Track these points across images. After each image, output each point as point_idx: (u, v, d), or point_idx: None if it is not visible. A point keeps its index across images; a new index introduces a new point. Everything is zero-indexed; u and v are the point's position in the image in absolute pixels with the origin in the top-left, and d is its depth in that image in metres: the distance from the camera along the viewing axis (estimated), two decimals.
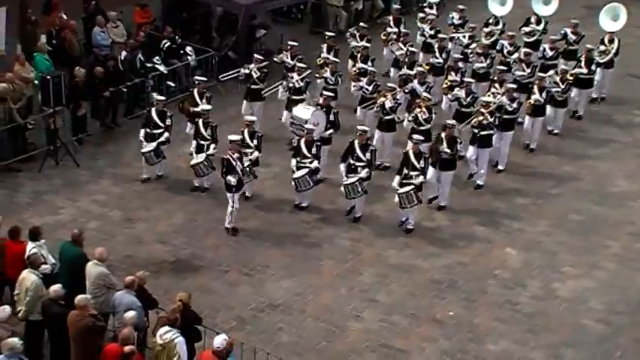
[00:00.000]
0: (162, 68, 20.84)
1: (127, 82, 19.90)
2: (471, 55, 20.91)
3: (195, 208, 16.89)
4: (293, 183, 16.55)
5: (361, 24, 21.94)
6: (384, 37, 21.79)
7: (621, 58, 21.94)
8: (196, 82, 18.27)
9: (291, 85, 18.69)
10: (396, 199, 16.21)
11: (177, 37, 21.70)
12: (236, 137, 16.05)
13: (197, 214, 16.75)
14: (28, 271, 12.61)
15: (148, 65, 20.63)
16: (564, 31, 21.77)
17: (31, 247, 13.02)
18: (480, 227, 16.98)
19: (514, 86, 18.93)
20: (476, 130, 17.77)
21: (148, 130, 17.20)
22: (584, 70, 20.38)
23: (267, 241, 16.15)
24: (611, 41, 21.39)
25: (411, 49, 20.42)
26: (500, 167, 18.76)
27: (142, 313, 12.36)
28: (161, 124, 17.15)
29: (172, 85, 20.69)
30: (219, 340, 11.34)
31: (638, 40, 26.39)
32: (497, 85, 18.98)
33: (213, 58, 22.03)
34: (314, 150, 16.54)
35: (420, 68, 19.64)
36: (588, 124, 21.27)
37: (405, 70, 19.78)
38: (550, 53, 21.06)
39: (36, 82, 18.58)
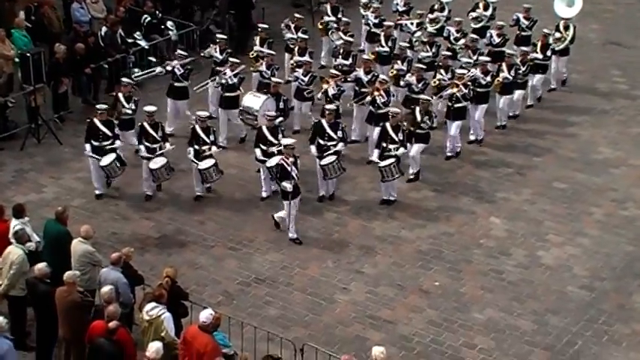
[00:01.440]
0: (143, 43, 20.63)
1: (108, 58, 19.70)
2: (417, 44, 20.11)
3: (180, 184, 16.77)
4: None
5: (296, 14, 20.53)
6: (321, 27, 20.85)
7: (602, 25, 21.94)
8: (122, 84, 16.99)
9: (224, 81, 17.71)
10: (378, 172, 16.17)
11: (157, 11, 21.47)
12: (290, 141, 15.37)
13: (182, 189, 16.64)
14: (14, 246, 12.55)
15: (129, 41, 20.42)
16: (516, 17, 20.86)
17: (15, 224, 12.93)
18: (464, 197, 16.96)
19: (488, 59, 18.83)
20: (449, 103, 17.73)
21: (95, 143, 15.85)
22: (540, 56, 19.72)
23: (252, 215, 16.07)
24: (566, 28, 20.46)
25: (349, 38, 19.45)
26: (479, 138, 18.71)
27: (128, 289, 12.30)
28: (109, 133, 15.92)
29: (154, 60, 20.47)
30: (206, 315, 11.29)
31: (617, 7, 26.46)
32: (442, 71, 18.50)
33: (194, 32, 21.82)
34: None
35: (365, 56, 18.96)
36: (569, 92, 21.25)
37: (340, 60, 18.87)
38: (497, 40, 20.06)
39: (16, 59, 18.34)
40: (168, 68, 18.17)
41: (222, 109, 17.92)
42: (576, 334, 13.59)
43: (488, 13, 21.06)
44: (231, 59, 18.24)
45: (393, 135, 16.16)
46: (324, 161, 16.02)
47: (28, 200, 15.45)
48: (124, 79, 17.24)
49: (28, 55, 17.49)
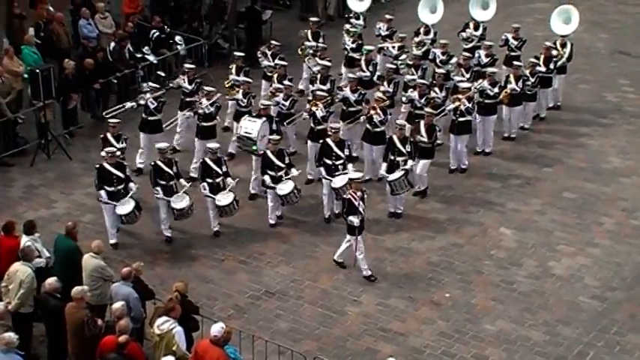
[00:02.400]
0: (151, 58, 20.72)
1: (116, 73, 19.78)
2: (402, 67, 19.36)
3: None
4: (388, 186, 16.04)
5: (272, 41, 19.98)
6: (301, 52, 20.38)
7: (610, 35, 21.86)
8: (110, 124, 16.29)
9: (200, 111, 17.06)
10: (387, 186, 16.13)
11: (166, 26, 21.56)
12: (358, 175, 15.03)
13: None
14: (21, 263, 12.50)
15: (138, 56, 20.50)
16: (505, 37, 20.30)
17: (25, 241, 12.95)
18: (473, 208, 16.92)
19: (495, 70, 18.79)
20: (454, 117, 17.67)
21: (109, 188, 15.03)
22: (543, 69, 19.44)
23: (262, 229, 16.06)
24: (563, 45, 20.16)
25: (327, 63, 18.73)
26: (487, 150, 18.65)
27: (139, 304, 12.30)
28: (122, 176, 15.15)
29: (163, 75, 20.52)
30: (217, 329, 11.29)
31: (625, 17, 26.44)
32: (436, 89, 18.28)
33: (202, 46, 21.91)
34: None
35: (351, 75, 18.77)
36: (578, 102, 21.20)
37: (318, 86, 18.13)
38: (485, 60, 19.55)
39: (25, 75, 18.43)
40: (141, 102, 17.34)
41: (199, 140, 17.14)
42: (588, 345, 13.52)
43: (479, 33, 20.67)
44: (206, 88, 17.51)
45: (401, 147, 16.12)
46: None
47: (38, 216, 15.49)
48: (112, 120, 16.55)
49: (38, 71, 17.57)
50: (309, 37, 20.50)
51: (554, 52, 19.98)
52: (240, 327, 12.87)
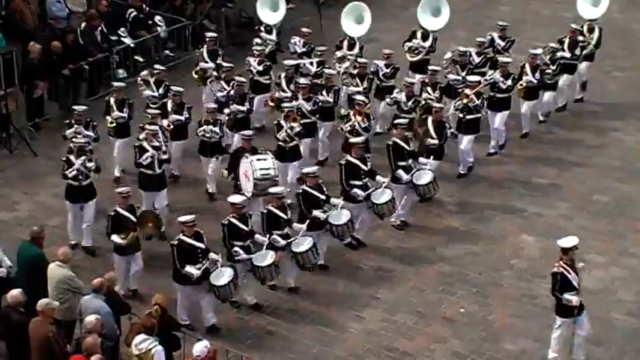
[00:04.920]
0: (128, 41, 20.77)
1: (88, 58, 19.83)
2: (344, 77, 18.81)
3: (170, 198, 16.82)
4: (418, 191, 16.14)
5: (156, 66, 18.68)
6: (197, 76, 19.20)
7: None
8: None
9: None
10: (416, 192, 16.13)
11: (144, 5, 21.62)
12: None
13: (173, 203, 16.67)
14: None
15: (112, 38, 20.55)
16: (491, 36, 19.97)
17: None
18: (491, 212, 16.99)
19: (509, 60, 18.79)
20: (460, 115, 17.71)
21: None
22: (567, 54, 19.55)
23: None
24: (590, 31, 20.24)
25: (242, 79, 18.07)
26: (500, 143, 18.70)
27: (112, 319, 12.35)
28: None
29: (141, 60, 20.59)
30: (200, 348, 11.37)
31: None
32: (429, 89, 18.13)
33: (186, 28, 21.96)
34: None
35: (303, 80, 18.15)
36: (611, 91, 21.28)
37: (235, 107, 17.48)
38: (477, 59, 19.23)
39: None
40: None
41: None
42: None
43: (427, 44, 19.93)
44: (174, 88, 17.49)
45: (407, 147, 16.18)
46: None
47: None
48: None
49: None
50: (205, 57, 19.23)
51: (580, 38, 20.00)
52: (226, 346, 12.92)
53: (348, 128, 17.15)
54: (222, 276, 13.75)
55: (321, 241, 15.10)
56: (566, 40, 19.78)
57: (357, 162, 15.77)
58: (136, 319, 12.37)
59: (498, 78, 18.33)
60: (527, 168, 18.43)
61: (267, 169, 15.76)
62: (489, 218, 16.87)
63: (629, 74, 22.16)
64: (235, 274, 13.79)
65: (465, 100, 17.64)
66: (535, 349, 13.86)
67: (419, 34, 20.08)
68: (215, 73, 18.87)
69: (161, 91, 17.93)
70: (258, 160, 15.92)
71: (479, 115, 17.81)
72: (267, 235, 14.45)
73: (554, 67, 19.26)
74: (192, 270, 13.58)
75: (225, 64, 18.80)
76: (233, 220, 14.27)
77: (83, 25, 20.17)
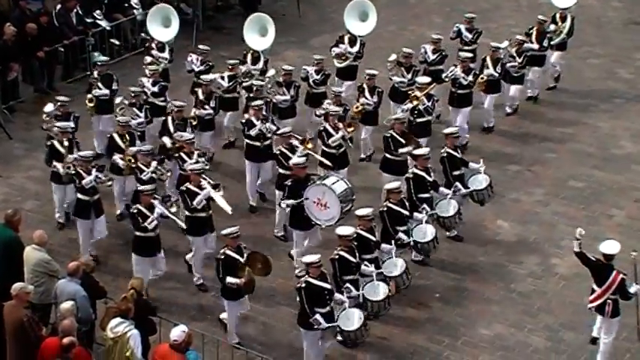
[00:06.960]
0: (104, 24, 20.65)
1: (63, 41, 19.70)
2: (270, 86, 17.79)
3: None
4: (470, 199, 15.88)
5: (61, 97, 16.72)
6: (91, 105, 17.33)
7: (623, 3, 21.83)
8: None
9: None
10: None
11: None
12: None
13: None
14: None
15: (88, 20, 20.42)
16: (457, 28, 19.74)
17: None
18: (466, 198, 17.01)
19: (470, 55, 18.66)
20: (411, 118, 17.18)
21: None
22: (535, 46, 19.48)
23: (230, 219, 16.04)
24: (563, 19, 20.15)
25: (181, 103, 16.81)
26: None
27: (88, 303, 12.32)
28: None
29: (117, 43, 20.47)
30: (177, 332, 11.35)
31: None
32: (367, 93, 17.58)
33: None
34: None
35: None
36: (587, 78, 21.37)
37: (180, 133, 16.00)
38: (432, 56, 18.83)
39: None
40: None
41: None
42: (594, 352, 13.63)
43: (355, 50, 19.14)
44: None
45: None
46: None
47: None
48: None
49: None
50: (99, 84, 17.48)
51: (552, 27, 20.00)
52: (203, 330, 12.91)
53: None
54: (352, 318, 12.79)
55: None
56: (534, 32, 19.68)
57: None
58: (111, 304, 12.34)
59: (459, 74, 18.10)
60: (503, 154, 18.48)
61: (343, 189, 14.62)
62: (465, 203, 16.88)
63: (604, 61, 22.26)
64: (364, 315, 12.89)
65: (414, 102, 17.15)
66: (509, 334, 13.95)
67: (346, 39, 19.30)
68: (126, 102, 16.91)
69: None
70: (334, 183, 14.68)
71: (429, 117, 17.37)
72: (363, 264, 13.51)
73: (520, 60, 19.14)
74: (321, 319, 12.56)
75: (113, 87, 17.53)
76: (342, 253, 13.33)
77: (58, 7, 20.03)
